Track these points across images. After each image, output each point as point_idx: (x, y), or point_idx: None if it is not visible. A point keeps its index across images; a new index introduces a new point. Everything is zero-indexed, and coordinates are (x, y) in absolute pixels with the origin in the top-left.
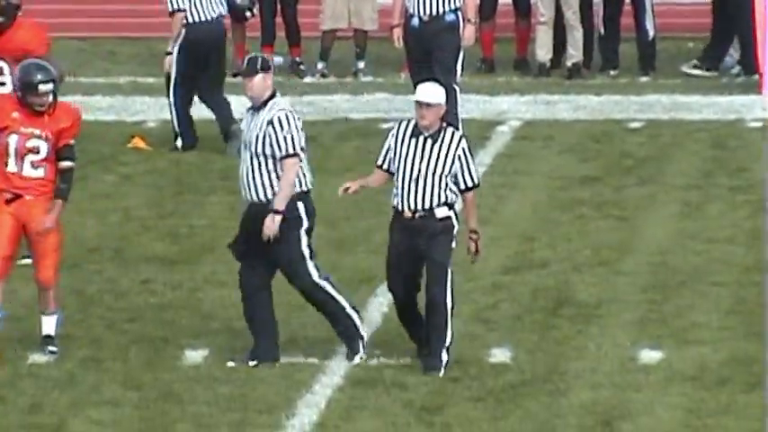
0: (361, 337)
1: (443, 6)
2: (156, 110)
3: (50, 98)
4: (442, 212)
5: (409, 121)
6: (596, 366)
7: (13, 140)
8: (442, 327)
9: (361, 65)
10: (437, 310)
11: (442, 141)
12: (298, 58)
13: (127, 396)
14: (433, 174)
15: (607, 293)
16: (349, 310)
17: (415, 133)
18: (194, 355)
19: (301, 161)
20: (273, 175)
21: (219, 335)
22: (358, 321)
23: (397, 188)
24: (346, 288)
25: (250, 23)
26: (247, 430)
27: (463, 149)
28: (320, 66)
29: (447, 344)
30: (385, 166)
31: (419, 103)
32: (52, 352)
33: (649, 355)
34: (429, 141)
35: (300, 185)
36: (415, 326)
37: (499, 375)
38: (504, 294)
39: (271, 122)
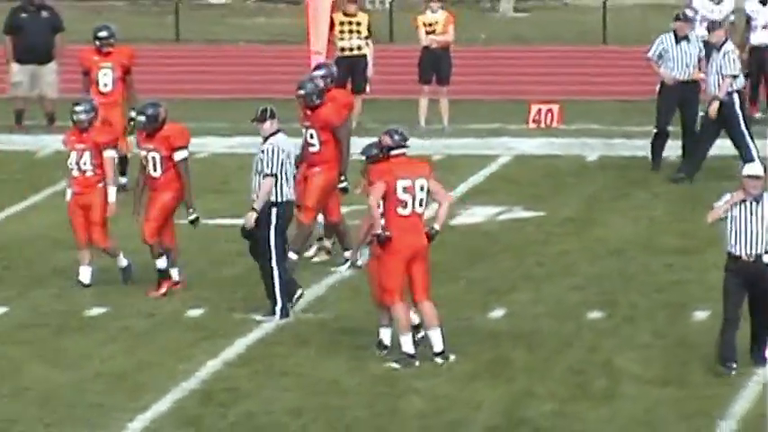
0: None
1: None
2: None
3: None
4: None
5: (735, 195)
6: None
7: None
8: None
9: None
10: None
11: (765, 202)
12: None
13: (655, 343)
14: (760, 227)
15: None
16: (278, 295)
17: (743, 200)
18: (701, 315)
19: (278, 181)
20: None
21: (718, 302)
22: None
23: (734, 239)
24: None
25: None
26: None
27: None
28: None
29: None
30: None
31: (750, 177)
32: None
33: None
34: (754, 204)
35: (276, 197)
36: (729, 345)
37: None
38: None
39: (262, 151)
